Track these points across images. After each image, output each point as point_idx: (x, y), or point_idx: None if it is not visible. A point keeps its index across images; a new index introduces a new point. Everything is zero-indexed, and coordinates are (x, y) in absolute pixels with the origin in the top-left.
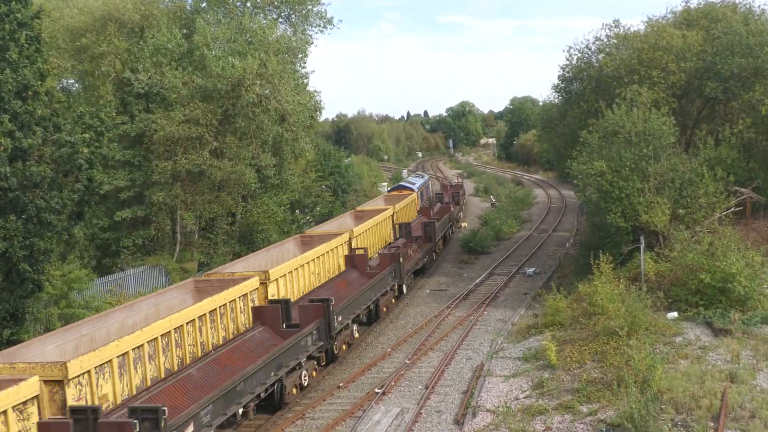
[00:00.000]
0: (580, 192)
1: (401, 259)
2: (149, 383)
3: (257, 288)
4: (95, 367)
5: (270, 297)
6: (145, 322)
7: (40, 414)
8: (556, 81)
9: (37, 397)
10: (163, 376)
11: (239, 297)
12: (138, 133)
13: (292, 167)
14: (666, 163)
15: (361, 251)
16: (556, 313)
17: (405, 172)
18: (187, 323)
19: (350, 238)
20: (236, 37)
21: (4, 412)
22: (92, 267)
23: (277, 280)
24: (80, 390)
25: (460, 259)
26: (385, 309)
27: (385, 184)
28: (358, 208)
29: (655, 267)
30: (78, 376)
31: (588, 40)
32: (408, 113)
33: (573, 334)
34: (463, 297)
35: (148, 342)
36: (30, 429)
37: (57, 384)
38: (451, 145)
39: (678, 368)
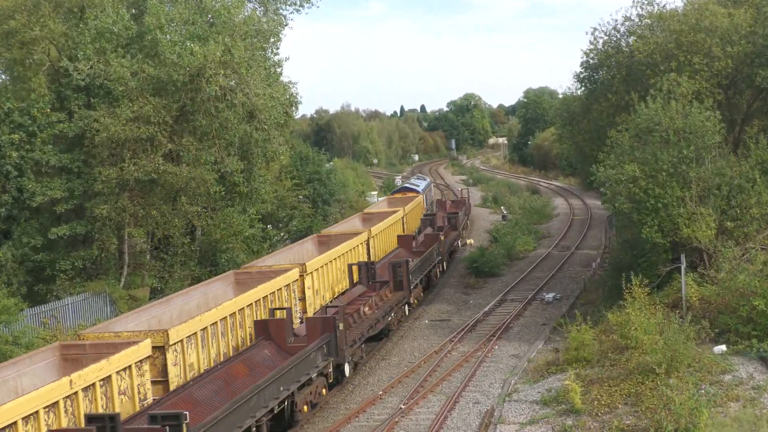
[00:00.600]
0: (608, 202)
1: (338, 327)
2: (222, 358)
3: (297, 279)
4: (186, 337)
5: (306, 288)
6: (198, 309)
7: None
8: (578, 69)
9: (149, 357)
10: (231, 353)
11: (284, 287)
12: (77, 134)
13: (263, 174)
14: (711, 166)
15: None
16: (581, 348)
17: (398, 179)
18: (247, 306)
19: (369, 238)
20: (195, 18)
21: (129, 367)
22: (22, 295)
23: (312, 273)
24: (176, 356)
25: (465, 282)
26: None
27: (375, 193)
28: (366, 211)
29: (699, 291)
30: (175, 343)
31: (616, 21)
32: (402, 108)
33: (601, 372)
34: (469, 328)
35: (220, 320)
36: (145, 384)
37: (158, 350)
38: (453, 146)
39: (727, 413)
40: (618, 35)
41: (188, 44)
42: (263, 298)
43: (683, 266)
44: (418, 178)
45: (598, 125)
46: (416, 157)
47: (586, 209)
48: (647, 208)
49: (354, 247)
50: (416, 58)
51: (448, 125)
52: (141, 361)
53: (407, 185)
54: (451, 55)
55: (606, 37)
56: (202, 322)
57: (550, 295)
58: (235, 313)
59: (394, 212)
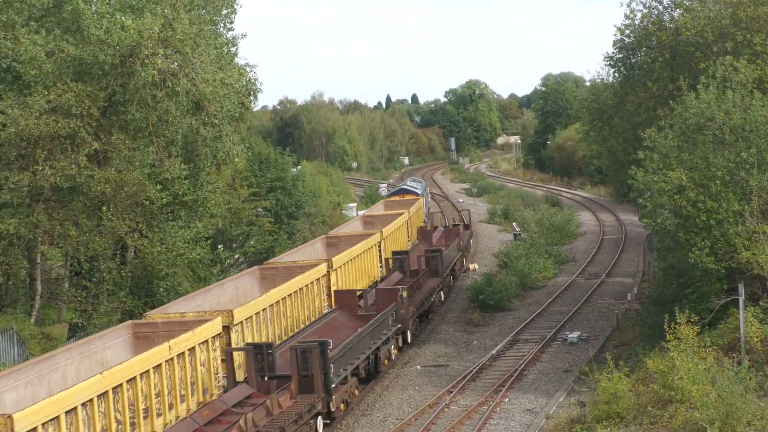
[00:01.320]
0: (648, 217)
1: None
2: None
3: (325, 274)
4: (245, 319)
5: (332, 285)
6: (231, 302)
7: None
8: (610, 50)
9: (220, 334)
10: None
11: (315, 281)
12: None
13: (213, 180)
14: None
15: None
16: (613, 401)
17: (383, 188)
18: (288, 295)
19: (381, 240)
20: None
21: (206, 341)
22: None
23: (337, 269)
24: (237, 335)
25: (467, 318)
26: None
27: (354, 205)
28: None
29: (762, 330)
30: (237, 324)
31: None
32: (388, 99)
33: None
34: (473, 376)
35: (269, 306)
36: (217, 359)
37: (223, 329)
38: (453, 146)
39: None
40: (660, 8)
41: (118, 17)
42: (298, 290)
43: (741, 298)
44: (413, 181)
45: (634, 121)
46: (406, 160)
47: (619, 226)
48: (697, 225)
49: (369, 248)
50: (406, 37)
51: (446, 120)
52: (214, 336)
53: (406, 187)
54: (449, 32)
55: (645, 11)
56: (256, 306)
57: (574, 335)
58: (279, 301)
59: (401, 213)
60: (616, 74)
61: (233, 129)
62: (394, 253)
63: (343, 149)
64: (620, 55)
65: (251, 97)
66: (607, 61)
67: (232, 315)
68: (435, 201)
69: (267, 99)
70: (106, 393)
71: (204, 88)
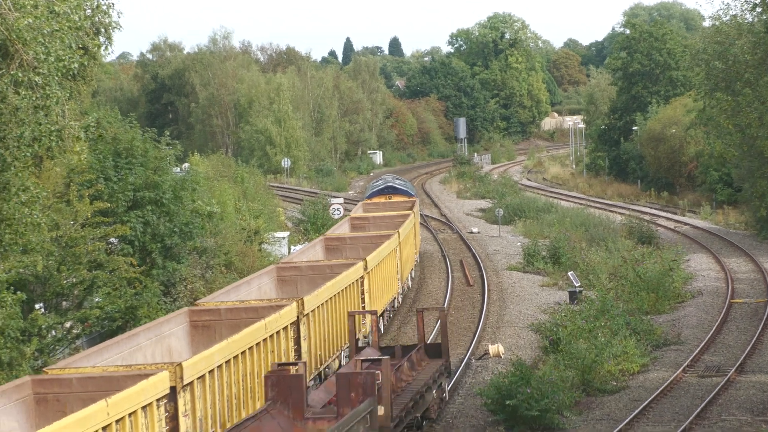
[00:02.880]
0: None
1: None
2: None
3: (362, 276)
4: (316, 307)
5: (365, 292)
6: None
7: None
8: None
9: (294, 322)
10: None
11: (354, 282)
12: None
13: (32, 185)
14: None
15: None
16: None
17: (336, 206)
18: (336, 294)
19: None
20: None
21: (285, 328)
22: None
23: (371, 271)
24: (305, 328)
25: None
26: None
27: (284, 236)
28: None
29: None
30: (306, 315)
31: None
32: (348, 46)
33: None
34: None
35: (325, 302)
36: (290, 349)
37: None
38: (461, 131)
39: None
40: None
41: None
42: (344, 289)
43: None
44: (396, 179)
45: None
46: (379, 157)
47: (762, 281)
48: None
49: (392, 250)
50: None
51: (450, 86)
52: (289, 324)
53: (393, 184)
54: None
55: None
56: (327, 293)
57: None
58: (337, 294)
59: (407, 214)
60: (760, 10)
61: (68, 93)
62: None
63: (266, 135)
64: None
65: (102, 39)
66: None
67: (303, 304)
68: (427, 229)
69: (132, 42)
70: (231, 360)
71: (17, 22)
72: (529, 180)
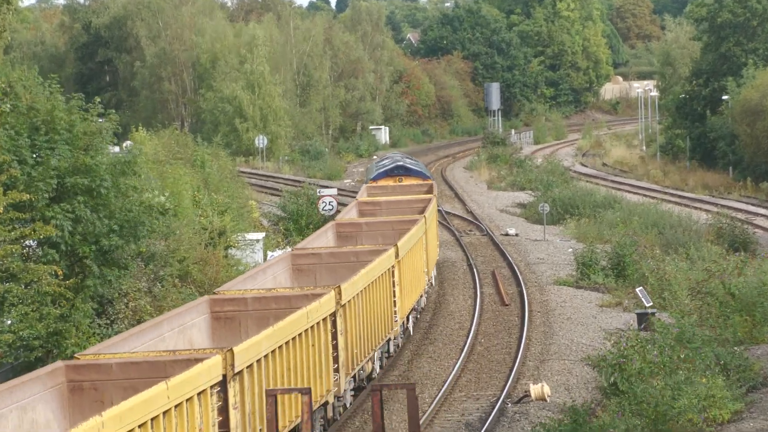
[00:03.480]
0: None
1: None
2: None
3: (394, 265)
4: (352, 298)
5: (395, 284)
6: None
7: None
8: None
9: (333, 313)
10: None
11: (386, 270)
12: None
13: None
14: None
15: None
16: None
17: (328, 200)
18: (370, 283)
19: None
20: None
21: (324, 319)
22: None
23: (402, 259)
24: (341, 320)
25: None
26: None
27: (259, 238)
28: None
29: None
30: (344, 306)
31: None
32: None
33: None
34: None
35: (359, 293)
36: (328, 343)
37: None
38: (495, 102)
39: None
40: None
41: None
42: (376, 279)
43: None
44: (405, 157)
45: None
46: (384, 134)
47: None
48: None
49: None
50: None
51: (480, 40)
52: (328, 316)
53: (402, 163)
54: None
55: None
56: (359, 284)
57: None
58: (371, 284)
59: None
60: None
61: None
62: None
63: (234, 104)
64: None
65: None
66: None
67: (341, 293)
68: (448, 230)
69: None
70: (275, 350)
71: None
72: (584, 166)
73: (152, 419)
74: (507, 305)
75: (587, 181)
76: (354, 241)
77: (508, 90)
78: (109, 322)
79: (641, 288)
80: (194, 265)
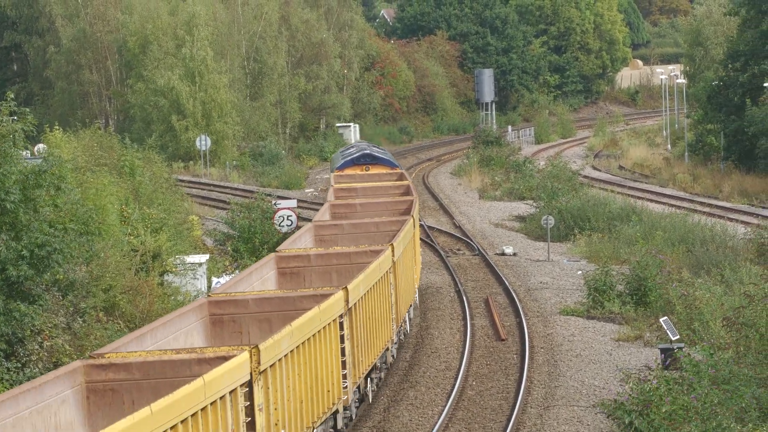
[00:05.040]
0: None
1: None
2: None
3: (391, 267)
4: (357, 301)
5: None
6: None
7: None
8: None
9: (341, 315)
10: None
11: (385, 273)
12: None
13: None
14: None
15: None
16: None
17: (284, 216)
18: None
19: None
20: None
21: (334, 320)
22: None
23: (396, 263)
24: (350, 326)
25: None
26: None
27: (203, 263)
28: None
29: None
30: (350, 308)
31: None
32: None
33: None
34: None
35: (362, 296)
36: (338, 346)
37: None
38: (487, 93)
39: None
40: None
41: None
42: (376, 282)
43: None
44: (373, 147)
45: None
46: (353, 133)
47: None
48: None
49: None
50: None
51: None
52: (338, 317)
53: (369, 151)
54: None
55: None
56: (363, 286)
57: None
58: (368, 291)
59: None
60: None
61: None
62: None
63: (170, 98)
64: None
65: None
66: None
67: (348, 293)
68: (432, 248)
69: None
70: (294, 350)
71: None
72: (596, 169)
73: (191, 415)
74: (503, 340)
75: (600, 188)
76: (335, 244)
77: (503, 78)
78: (20, 365)
79: (666, 318)
80: (122, 295)
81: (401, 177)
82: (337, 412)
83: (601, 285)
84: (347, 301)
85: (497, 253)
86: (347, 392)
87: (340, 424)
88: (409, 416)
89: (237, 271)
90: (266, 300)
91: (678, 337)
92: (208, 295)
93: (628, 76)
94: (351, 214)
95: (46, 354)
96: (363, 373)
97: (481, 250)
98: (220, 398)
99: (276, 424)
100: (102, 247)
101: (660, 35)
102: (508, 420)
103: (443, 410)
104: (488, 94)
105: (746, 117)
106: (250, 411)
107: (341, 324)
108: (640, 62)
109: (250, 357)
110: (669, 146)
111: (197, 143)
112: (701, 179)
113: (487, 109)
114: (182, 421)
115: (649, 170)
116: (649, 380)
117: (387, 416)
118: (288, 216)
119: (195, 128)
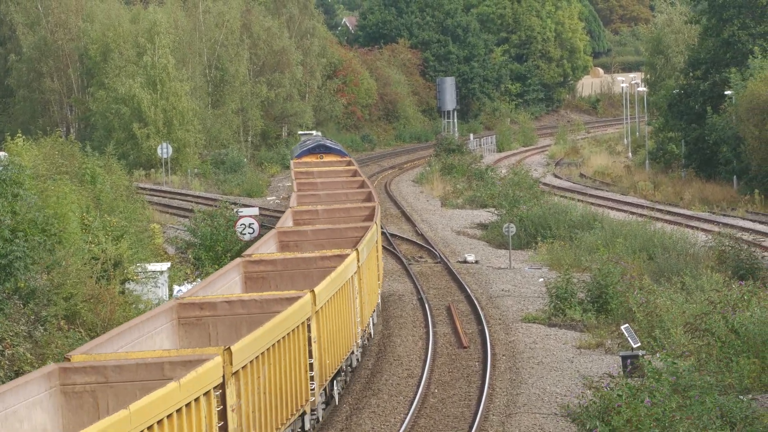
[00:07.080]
0: None
1: None
2: None
3: (357, 271)
4: (324, 304)
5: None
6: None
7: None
8: None
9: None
10: None
11: (351, 276)
12: None
13: None
14: None
15: None
16: None
17: (246, 224)
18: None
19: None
20: None
21: (303, 323)
22: None
23: (360, 267)
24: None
25: None
26: None
27: (164, 271)
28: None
29: None
30: (317, 311)
31: None
32: None
33: None
34: None
35: (329, 299)
36: (306, 349)
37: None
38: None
39: None
40: None
41: None
42: (343, 285)
43: None
44: (327, 139)
45: None
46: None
47: None
48: None
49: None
50: None
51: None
52: (306, 320)
53: (324, 143)
54: None
55: None
56: (331, 289)
57: None
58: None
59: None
60: None
61: None
62: None
63: (131, 105)
64: None
65: None
66: None
67: (315, 296)
68: (394, 256)
69: None
70: (265, 352)
71: None
72: (557, 177)
73: (167, 416)
74: (465, 347)
75: (562, 196)
76: (298, 248)
77: (465, 86)
78: None
79: (627, 325)
80: (84, 304)
81: (350, 163)
82: (304, 413)
83: (563, 292)
84: (315, 303)
85: (459, 261)
86: (315, 394)
87: (307, 425)
88: (372, 424)
89: (198, 280)
90: (235, 303)
91: (639, 344)
92: (178, 298)
93: (589, 85)
94: (313, 220)
95: (7, 363)
96: (330, 376)
97: (443, 258)
98: (195, 400)
99: (247, 426)
100: (63, 255)
101: (621, 43)
102: (470, 427)
103: (405, 418)
104: (450, 102)
105: (707, 125)
106: (222, 413)
107: (309, 326)
108: (601, 70)
109: (223, 359)
110: (630, 154)
111: (159, 151)
112: (662, 187)
113: (448, 117)
114: (158, 422)
115: (610, 178)
116: (610, 387)
117: (349, 424)
118: (250, 224)
119: (156, 136)
